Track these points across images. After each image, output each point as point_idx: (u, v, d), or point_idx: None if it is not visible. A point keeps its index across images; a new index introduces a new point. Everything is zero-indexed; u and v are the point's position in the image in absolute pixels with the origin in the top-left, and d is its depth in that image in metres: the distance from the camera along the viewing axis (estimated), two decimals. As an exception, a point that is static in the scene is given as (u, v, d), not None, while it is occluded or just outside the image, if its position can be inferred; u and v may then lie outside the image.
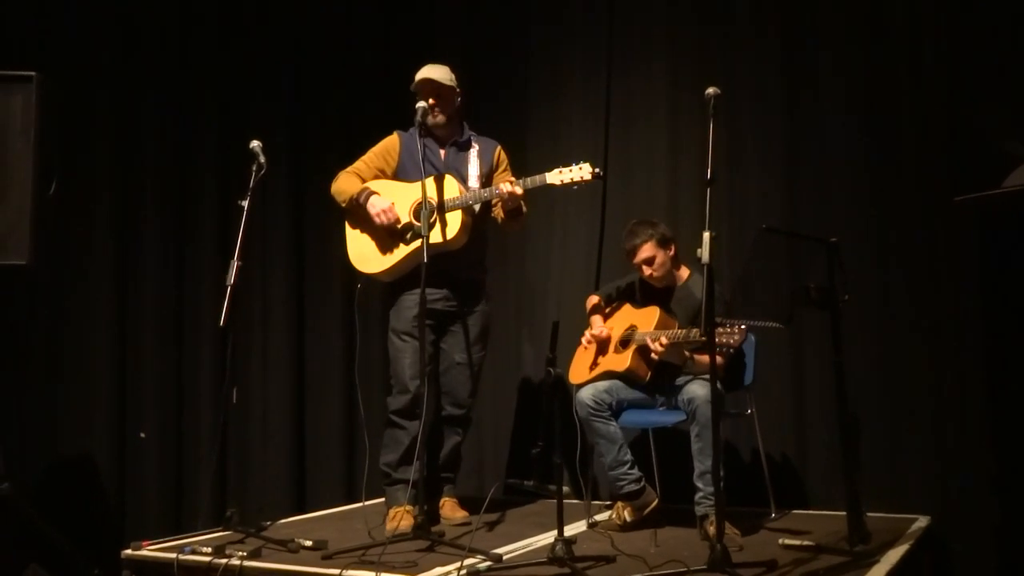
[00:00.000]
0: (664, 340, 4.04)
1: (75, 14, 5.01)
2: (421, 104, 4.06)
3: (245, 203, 3.94)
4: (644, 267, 4.28)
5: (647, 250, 4.25)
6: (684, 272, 4.34)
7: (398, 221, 4.17)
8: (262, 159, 4.05)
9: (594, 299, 4.53)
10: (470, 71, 5.28)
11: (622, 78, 5.28)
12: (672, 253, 4.28)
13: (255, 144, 4.07)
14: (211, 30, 5.47)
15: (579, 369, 4.42)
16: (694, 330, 3.95)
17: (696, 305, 4.09)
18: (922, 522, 4.16)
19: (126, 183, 5.15)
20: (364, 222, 4.24)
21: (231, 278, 3.80)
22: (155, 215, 5.22)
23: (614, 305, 4.48)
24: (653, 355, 4.10)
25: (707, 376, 3.82)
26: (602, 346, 4.37)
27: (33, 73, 3.79)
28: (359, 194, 4.21)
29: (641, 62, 5.26)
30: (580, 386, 4.28)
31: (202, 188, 5.37)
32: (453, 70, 4.34)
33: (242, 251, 3.88)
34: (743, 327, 3.64)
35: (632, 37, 5.29)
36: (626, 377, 4.24)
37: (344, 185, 4.29)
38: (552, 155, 5.02)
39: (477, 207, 4.21)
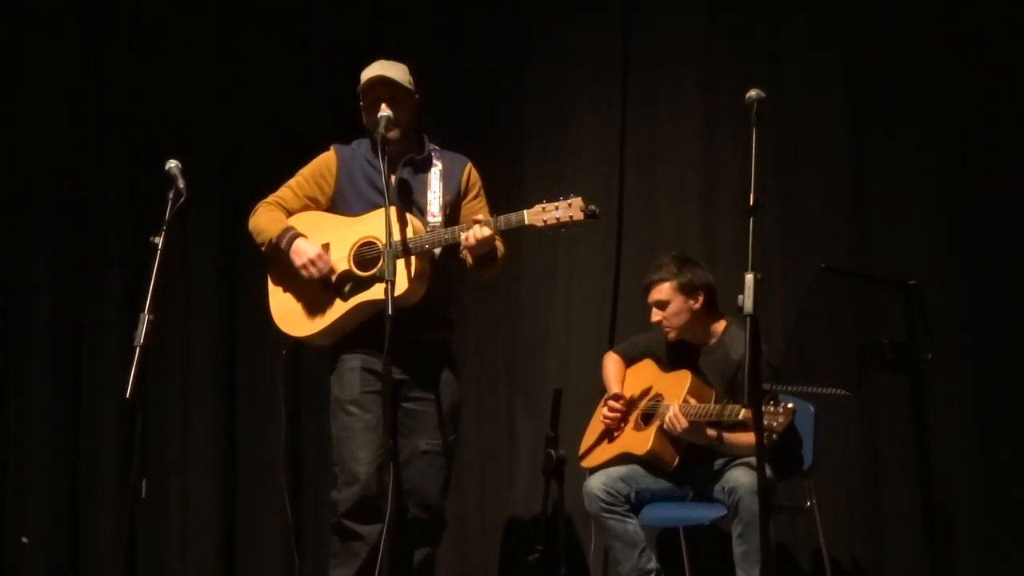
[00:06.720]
0: (684, 422, 4.03)
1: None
2: (384, 113, 3.99)
3: (159, 240, 3.92)
4: (655, 310, 4.29)
5: (663, 292, 4.26)
6: (719, 326, 4.33)
7: (332, 272, 4.11)
8: (181, 184, 4.01)
9: (613, 359, 4.53)
10: (450, 101, 5.31)
11: (645, 93, 5.29)
12: (698, 306, 4.26)
13: (172, 164, 4.03)
14: (121, 25, 5.51)
15: (592, 449, 4.41)
16: (730, 406, 3.94)
17: (732, 369, 4.10)
18: (1032, 646, 4.14)
19: (7, 217, 5.14)
20: (290, 271, 4.15)
21: (141, 337, 3.76)
22: (44, 255, 5.21)
23: (637, 366, 4.47)
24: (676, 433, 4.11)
25: (751, 459, 3.79)
26: (621, 418, 4.36)
27: None
28: (280, 236, 4.12)
29: (667, 70, 5.27)
30: (592, 471, 4.24)
31: (106, 220, 5.37)
32: (412, 71, 4.22)
33: (155, 302, 3.86)
34: (790, 405, 3.63)
35: (654, 39, 5.31)
36: (648, 463, 4.22)
37: (263, 222, 4.19)
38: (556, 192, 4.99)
39: (438, 251, 4.12)
